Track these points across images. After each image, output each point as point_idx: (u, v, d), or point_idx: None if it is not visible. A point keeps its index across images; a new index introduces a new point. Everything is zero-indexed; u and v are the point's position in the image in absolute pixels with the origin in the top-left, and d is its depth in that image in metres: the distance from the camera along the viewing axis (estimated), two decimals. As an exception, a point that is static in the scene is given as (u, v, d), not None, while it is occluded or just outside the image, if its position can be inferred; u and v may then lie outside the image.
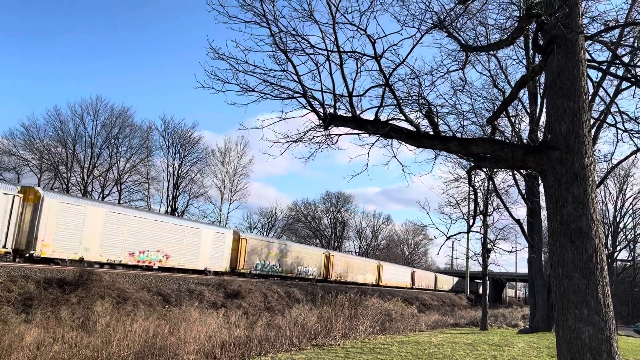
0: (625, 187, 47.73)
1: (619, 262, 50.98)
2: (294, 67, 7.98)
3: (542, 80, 16.81)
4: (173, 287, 23.19)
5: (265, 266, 37.22)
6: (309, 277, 41.95)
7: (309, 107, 8.06)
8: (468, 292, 73.95)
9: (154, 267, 27.56)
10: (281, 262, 39.22)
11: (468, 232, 23.90)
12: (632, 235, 51.07)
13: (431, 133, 7.71)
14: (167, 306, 20.19)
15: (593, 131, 20.96)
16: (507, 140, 19.32)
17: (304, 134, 8.46)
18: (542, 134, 14.13)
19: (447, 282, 79.05)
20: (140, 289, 21.15)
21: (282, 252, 39.86)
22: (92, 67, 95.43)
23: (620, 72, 14.35)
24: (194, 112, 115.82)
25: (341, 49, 7.93)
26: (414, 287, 62.77)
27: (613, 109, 14.62)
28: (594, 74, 18.90)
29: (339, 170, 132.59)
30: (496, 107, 13.31)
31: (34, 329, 12.59)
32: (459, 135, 9.94)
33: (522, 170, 21.95)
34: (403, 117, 8.06)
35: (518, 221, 26.47)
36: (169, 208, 54.50)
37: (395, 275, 58.97)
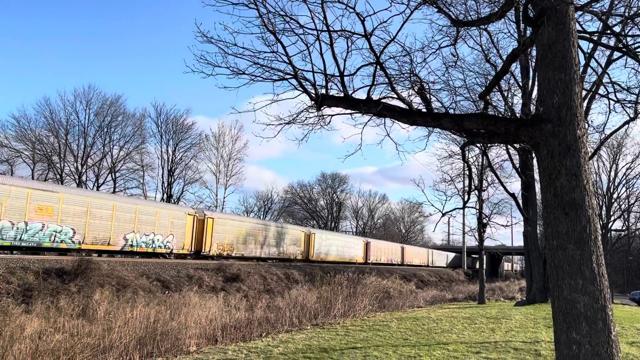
0: (618, 157, 47.99)
1: (613, 232, 51.51)
2: (284, 48, 7.93)
3: (534, 53, 16.76)
4: (172, 273, 23.30)
5: (41, 233, 21.72)
6: (159, 250, 28.04)
7: (300, 88, 8.03)
8: (465, 267, 74.74)
9: None
10: (87, 228, 23.75)
11: (463, 207, 24.01)
12: (626, 205, 51.58)
13: (424, 110, 7.69)
14: (167, 292, 20.29)
15: (585, 102, 20.98)
16: (500, 115, 19.33)
17: (297, 116, 8.45)
18: (534, 107, 14.12)
19: (419, 256, 66.05)
20: (140, 276, 21.25)
21: (87, 210, 23.78)
22: (80, 56, 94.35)
23: (611, 43, 14.32)
24: (187, 97, 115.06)
25: (331, 28, 7.87)
26: (370, 261, 52.59)
27: (605, 79, 14.63)
28: (585, 45, 18.88)
29: (335, 151, 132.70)
30: (488, 82, 13.28)
31: (34, 319, 12.64)
32: (451, 111, 9.95)
33: (515, 145, 21.98)
34: (395, 95, 8.04)
35: (513, 195, 26.64)
36: (165, 194, 54.49)
37: (338, 247, 47.60)
